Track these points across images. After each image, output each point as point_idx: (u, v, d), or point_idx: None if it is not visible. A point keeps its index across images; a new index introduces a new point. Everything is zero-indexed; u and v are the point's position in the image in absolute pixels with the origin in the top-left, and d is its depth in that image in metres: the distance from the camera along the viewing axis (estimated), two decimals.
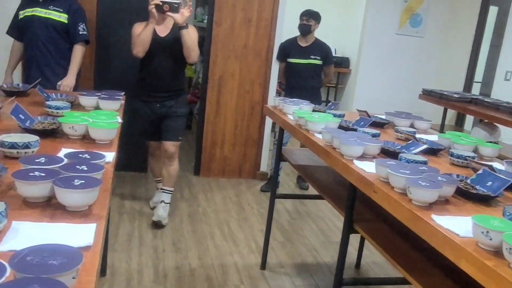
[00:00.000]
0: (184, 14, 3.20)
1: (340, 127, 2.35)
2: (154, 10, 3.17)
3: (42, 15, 3.31)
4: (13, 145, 1.50)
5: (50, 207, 1.21)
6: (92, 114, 1.95)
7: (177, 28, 3.27)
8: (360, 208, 2.04)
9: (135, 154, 4.28)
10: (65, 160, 1.38)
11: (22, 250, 0.85)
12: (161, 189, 3.65)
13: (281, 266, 3.19)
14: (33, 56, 3.37)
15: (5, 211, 1.03)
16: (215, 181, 4.66)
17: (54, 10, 3.32)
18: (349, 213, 1.97)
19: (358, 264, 3.27)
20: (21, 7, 3.42)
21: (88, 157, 1.44)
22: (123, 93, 2.47)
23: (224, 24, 4.39)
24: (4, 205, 1.05)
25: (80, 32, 3.39)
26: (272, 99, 4.64)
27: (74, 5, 3.43)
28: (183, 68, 3.65)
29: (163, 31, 3.37)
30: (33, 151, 1.54)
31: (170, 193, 3.62)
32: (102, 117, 1.91)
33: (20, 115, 1.82)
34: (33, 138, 1.57)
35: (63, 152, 1.62)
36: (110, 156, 1.57)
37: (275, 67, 4.58)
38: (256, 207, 4.16)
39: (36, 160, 1.34)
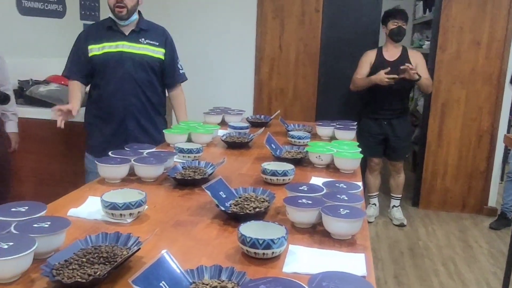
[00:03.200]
0: None
1: None
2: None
3: (135, 51, 2.49)
4: (274, 173, 1.65)
5: (316, 234, 1.28)
6: (334, 144, 2.03)
7: (405, 53, 3.82)
8: None
9: None
10: (325, 189, 1.46)
11: (317, 275, 0.91)
12: (391, 195, 4.22)
13: None
14: (127, 105, 2.50)
15: (286, 236, 1.12)
16: (435, 214, 4.40)
17: (148, 44, 2.53)
18: None
19: None
20: (88, 40, 2.51)
21: (344, 187, 1.49)
22: (356, 122, 2.52)
23: (450, 48, 4.17)
24: (285, 230, 1.15)
25: (181, 71, 2.71)
26: (505, 128, 4.22)
27: (169, 36, 2.66)
28: (409, 89, 4.05)
29: (392, 56, 3.85)
30: (289, 179, 1.67)
31: (399, 199, 4.21)
32: (344, 147, 1.98)
33: (272, 145, 2.00)
34: (288, 166, 1.71)
35: (313, 180, 1.72)
36: (360, 186, 1.61)
37: (508, 92, 4.15)
38: (485, 246, 3.78)
39: (300, 188, 1.44)
